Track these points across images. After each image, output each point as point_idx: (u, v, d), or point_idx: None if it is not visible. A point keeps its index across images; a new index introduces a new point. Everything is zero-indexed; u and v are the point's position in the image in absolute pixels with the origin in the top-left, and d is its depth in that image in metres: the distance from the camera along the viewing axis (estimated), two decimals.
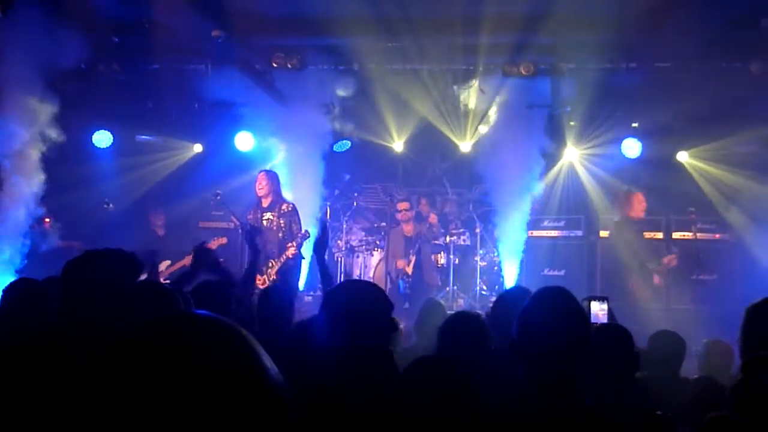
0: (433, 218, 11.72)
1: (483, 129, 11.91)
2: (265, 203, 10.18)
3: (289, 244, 9.85)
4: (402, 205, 11.72)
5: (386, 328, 3.26)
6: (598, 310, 4.94)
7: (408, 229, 11.59)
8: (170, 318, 1.22)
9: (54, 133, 9.61)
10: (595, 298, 4.93)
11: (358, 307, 3.19)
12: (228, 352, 1.17)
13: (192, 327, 1.20)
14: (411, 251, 11.36)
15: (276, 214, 10.10)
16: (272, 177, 10.32)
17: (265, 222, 10.05)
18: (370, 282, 3.72)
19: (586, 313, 2.73)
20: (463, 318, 4.37)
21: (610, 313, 4.92)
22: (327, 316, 3.24)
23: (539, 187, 11.88)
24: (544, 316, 2.63)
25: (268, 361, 1.20)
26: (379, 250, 11.86)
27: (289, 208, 10.17)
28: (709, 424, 2.21)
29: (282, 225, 10.04)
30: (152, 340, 1.17)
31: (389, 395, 2.83)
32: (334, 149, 12.10)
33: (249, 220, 10.05)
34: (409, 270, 11.28)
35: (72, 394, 2.05)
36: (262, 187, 10.14)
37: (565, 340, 2.57)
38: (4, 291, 4.41)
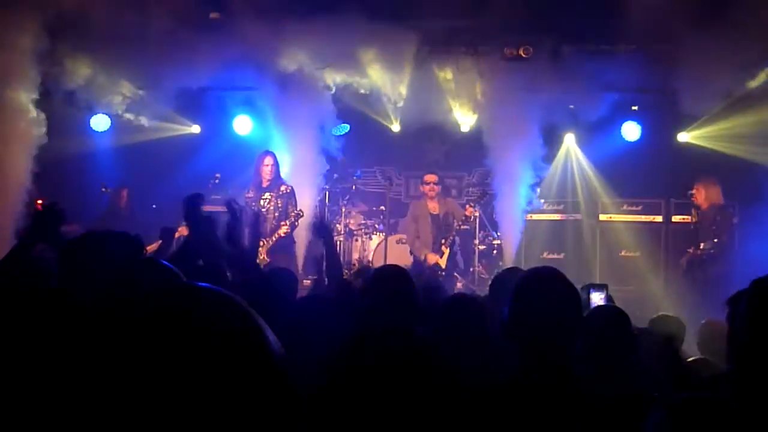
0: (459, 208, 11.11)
1: (482, 112, 11.84)
2: (266, 183, 10.33)
3: (283, 223, 10.01)
4: (429, 178, 11.02)
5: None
6: (597, 299, 4.92)
7: (433, 206, 11.02)
8: (170, 289, 1.20)
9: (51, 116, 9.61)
10: (594, 286, 4.91)
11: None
12: (229, 324, 1.15)
13: (192, 298, 1.19)
14: (443, 240, 10.75)
15: (275, 194, 10.27)
16: (275, 158, 10.45)
17: (262, 201, 10.21)
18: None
19: (578, 292, 2.70)
20: (461, 301, 4.37)
21: (609, 300, 4.90)
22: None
23: (539, 171, 11.86)
24: (535, 295, 2.62)
25: (270, 334, 1.19)
26: (378, 233, 11.82)
27: (288, 190, 10.33)
28: (682, 404, 2.20)
29: (279, 205, 10.21)
30: (152, 311, 1.16)
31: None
32: (333, 133, 12.05)
33: (248, 198, 10.13)
34: (443, 263, 10.67)
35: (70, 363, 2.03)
36: (269, 169, 10.29)
37: (556, 319, 2.56)
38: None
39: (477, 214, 11.12)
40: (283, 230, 10.00)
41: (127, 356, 1.09)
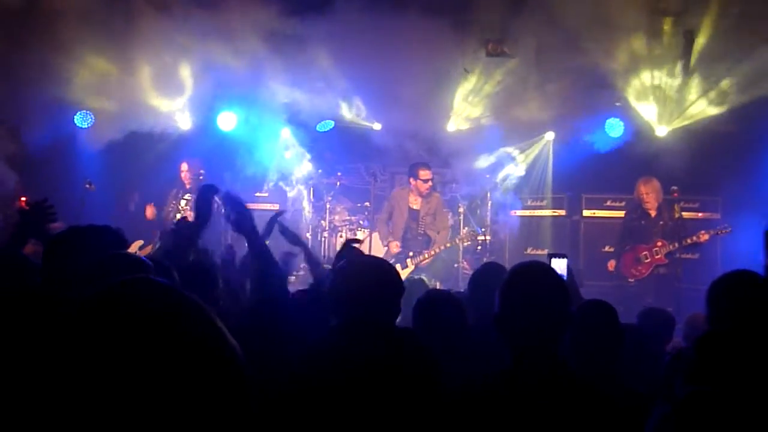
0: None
1: (466, 108, 11.85)
2: (188, 185, 10.98)
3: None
4: (424, 174, 10.61)
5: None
6: (557, 267, 4.98)
7: (416, 201, 10.84)
8: (121, 283, 1.19)
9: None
10: (555, 255, 5.00)
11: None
12: (180, 318, 1.14)
13: (144, 291, 1.18)
14: (410, 253, 10.53)
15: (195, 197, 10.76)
16: (194, 166, 11.05)
17: (183, 202, 10.88)
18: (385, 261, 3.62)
19: (566, 286, 2.73)
20: (437, 297, 4.38)
21: (569, 270, 4.96)
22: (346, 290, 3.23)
23: (523, 167, 11.89)
24: (526, 289, 2.64)
25: (225, 331, 1.18)
26: (363, 229, 11.80)
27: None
28: (686, 399, 2.22)
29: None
30: (102, 304, 1.15)
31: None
32: (318, 129, 12.04)
33: (170, 196, 10.90)
34: (404, 275, 10.39)
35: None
36: (185, 175, 11.04)
37: (548, 312, 2.58)
38: None
39: (462, 211, 11.14)
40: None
41: (70, 353, 1.09)
